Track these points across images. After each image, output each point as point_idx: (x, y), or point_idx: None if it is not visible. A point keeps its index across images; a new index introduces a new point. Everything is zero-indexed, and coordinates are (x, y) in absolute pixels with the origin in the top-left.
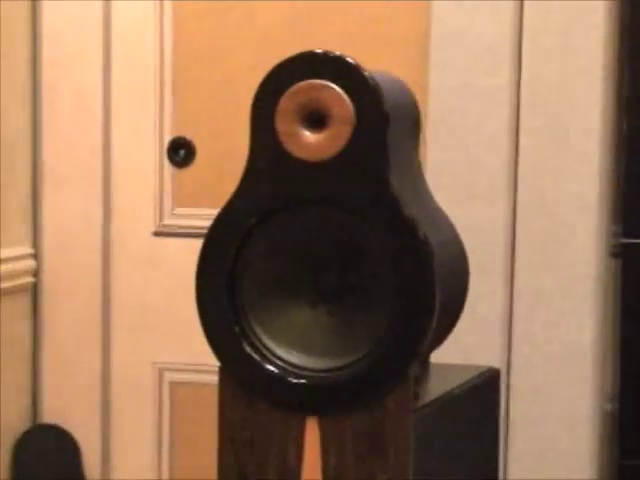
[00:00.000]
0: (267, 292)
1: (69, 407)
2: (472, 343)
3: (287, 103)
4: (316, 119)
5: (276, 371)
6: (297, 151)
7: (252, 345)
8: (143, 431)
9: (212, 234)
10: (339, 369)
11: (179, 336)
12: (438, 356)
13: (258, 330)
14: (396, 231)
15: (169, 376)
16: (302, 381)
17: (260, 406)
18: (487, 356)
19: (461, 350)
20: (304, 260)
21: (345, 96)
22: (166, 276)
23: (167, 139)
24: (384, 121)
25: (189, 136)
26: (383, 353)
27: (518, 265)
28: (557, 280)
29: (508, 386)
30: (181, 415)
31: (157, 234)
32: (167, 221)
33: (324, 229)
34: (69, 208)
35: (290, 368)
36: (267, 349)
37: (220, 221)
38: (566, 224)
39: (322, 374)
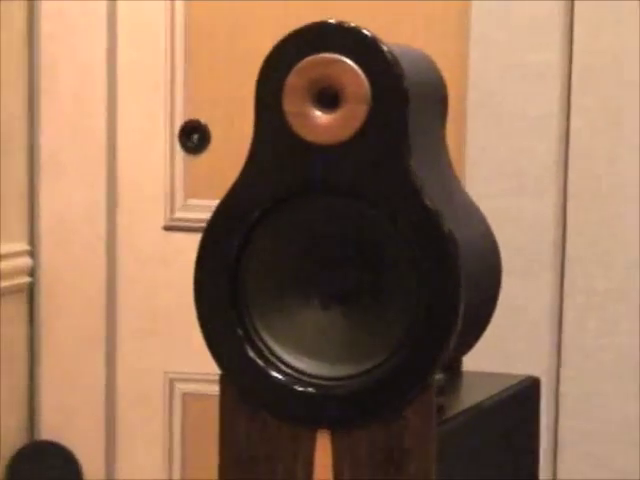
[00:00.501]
0: (273, 291)
1: (70, 422)
2: (517, 350)
3: (295, 80)
4: (328, 98)
5: (283, 379)
6: (307, 133)
7: (256, 350)
8: (152, 449)
9: (212, 227)
10: (353, 377)
11: (192, 343)
12: (477, 365)
13: (263, 333)
14: (417, 224)
15: (181, 387)
16: (312, 390)
17: (265, 418)
18: (533, 365)
19: (504, 358)
20: (315, 256)
21: (360, 72)
22: (178, 275)
23: (179, 123)
24: (404, 100)
25: (203, 119)
26: (402, 359)
27: (568, 264)
28: (612, 280)
29: (557, 398)
30: (194, 430)
31: (168, 228)
32: (179, 214)
33: (337, 221)
34: (69, 200)
35: (299, 376)
36: (273, 354)
37: (221, 213)
38: (623, 217)
39: (334, 382)
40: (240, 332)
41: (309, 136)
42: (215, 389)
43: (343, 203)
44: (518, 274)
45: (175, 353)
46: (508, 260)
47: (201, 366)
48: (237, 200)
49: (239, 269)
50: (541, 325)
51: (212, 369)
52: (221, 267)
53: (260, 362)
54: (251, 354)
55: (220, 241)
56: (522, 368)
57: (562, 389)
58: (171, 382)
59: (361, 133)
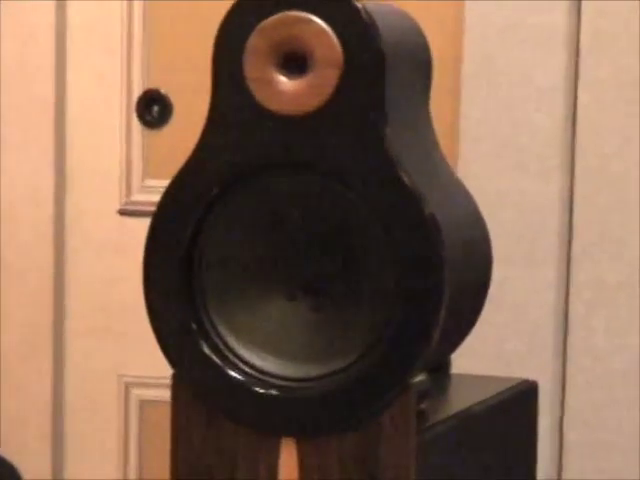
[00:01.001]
0: (233, 281)
1: (11, 432)
2: (516, 352)
3: (257, 42)
4: (294, 62)
5: (242, 379)
6: (271, 102)
7: (212, 346)
8: (104, 463)
9: (163, 208)
10: (322, 378)
11: (151, 342)
12: (471, 368)
13: (221, 327)
14: (394, 205)
15: (138, 393)
16: (275, 392)
17: (222, 424)
18: (534, 368)
19: (502, 361)
20: (280, 241)
21: (331, 32)
22: (134, 266)
23: (136, 93)
24: (380, 64)
25: (164, 89)
26: (378, 357)
27: (576, 253)
28: (623, 273)
29: (562, 406)
30: (152, 442)
31: (123, 213)
32: (136, 197)
33: (304, 202)
34: (11, 179)
35: (260, 375)
36: (231, 351)
37: (172, 193)
38: (636, 201)
39: (301, 384)
40: (194, 326)
41: (273, 105)
42: None
43: (311, 181)
44: (518, 266)
45: (131, 354)
46: (506, 250)
47: (161, 369)
48: (191, 178)
49: (193, 255)
50: (544, 323)
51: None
52: (173, 253)
53: (217, 360)
54: (206, 351)
55: (172, 224)
56: (522, 372)
57: (568, 396)
58: (127, 387)
59: (331, 101)
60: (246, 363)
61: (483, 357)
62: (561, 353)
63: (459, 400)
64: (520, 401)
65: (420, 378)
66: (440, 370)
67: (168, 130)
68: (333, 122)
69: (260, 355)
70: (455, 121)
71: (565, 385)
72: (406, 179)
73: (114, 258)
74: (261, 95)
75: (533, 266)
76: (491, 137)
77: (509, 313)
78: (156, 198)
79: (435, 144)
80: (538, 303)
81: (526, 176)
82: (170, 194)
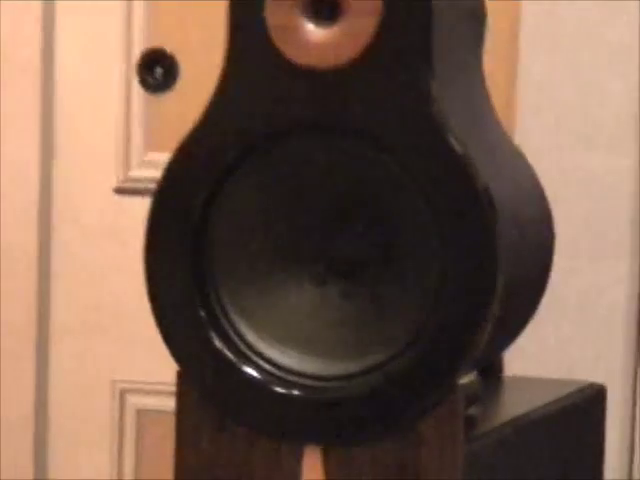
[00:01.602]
0: (250, 263)
1: None
2: (582, 354)
3: None
4: (325, 7)
5: (260, 377)
6: (296, 54)
7: (225, 338)
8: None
9: (168, 181)
10: (354, 377)
11: (151, 342)
12: (529, 371)
13: (235, 317)
14: (441, 175)
15: (135, 401)
16: (298, 393)
17: (235, 430)
18: (603, 371)
19: (566, 363)
20: (305, 216)
21: None
22: (133, 253)
23: (137, 52)
24: (425, 9)
25: (169, 48)
26: (419, 354)
27: None
28: None
29: (634, 415)
30: (150, 456)
31: (120, 191)
32: (135, 172)
33: (334, 170)
34: None
35: (281, 373)
36: (247, 344)
37: (180, 161)
38: None
39: (328, 383)
40: (204, 315)
41: (299, 57)
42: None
43: (343, 146)
44: (584, 256)
45: (127, 356)
46: (572, 238)
47: (162, 373)
48: (201, 143)
49: (203, 234)
50: (613, 322)
51: (174, 378)
52: (180, 232)
53: (230, 355)
54: (218, 344)
55: (178, 198)
56: (587, 375)
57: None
58: (122, 394)
59: (368, 53)
60: (264, 359)
61: (541, 358)
62: (633, 354)
63: (513, 405)
64: (585, 408)
65: (468, 379)
66: (491, 371)
67: (173, 95)
68: (369, 77)
69: (281, 349)
70: (511, 87)
71: (637, 391)
72: (455, 145)
73: (109, 244)
74: (285, 45)
75: (602, 257)
76: (553, 104)
77: (573, 310)
78: (158, 174)
79: (489, 107)
80: (609, 299)
81: (595, 151)
82: (176, 163)
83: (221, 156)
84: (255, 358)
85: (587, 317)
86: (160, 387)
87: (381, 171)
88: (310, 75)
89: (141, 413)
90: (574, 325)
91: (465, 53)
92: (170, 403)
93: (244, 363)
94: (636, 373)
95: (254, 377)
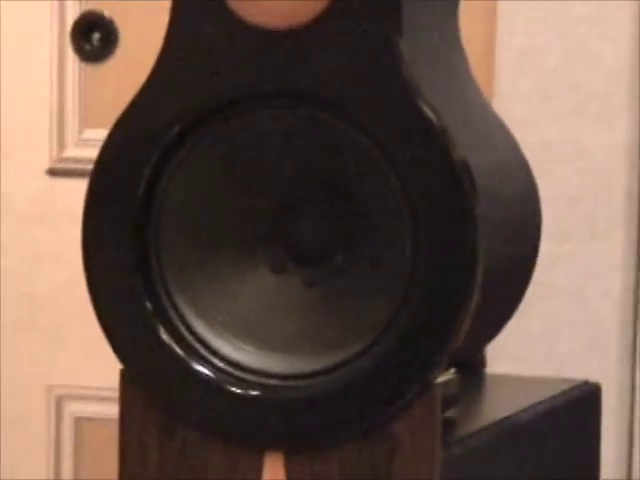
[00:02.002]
0: (201, 248)
1: None
2: (574, 349)
3: None
4: None
5: (213, 376)
6: (250, 13)
7: (174, 332)
8: None
9: (106, 159)
10: (319, 374)
11: (90, 342)
12: (514, 369)
13: (185, 308)
14: (413, 146)
15: (73, 408)
16: (257, 393)
17: (186, 435)
18: (598, 369)
19: (555, 360)
20: (263, 194)
21: None
22: (70, 240)
23: (72, 16)
24: None
25: (107, 11)
26: (391, 349)
27: None
28: None
29: (632, 414)
30: (90, 466)
31: (54, 173)
32: (70, 152)
33: (295, 143)
34: None
35: (237, 372)
36: (198, 339)
37: (119, 137)
38: None
39: (291, 382)
40: (149, 306)
41: (252, 16)
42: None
43: (303, 116)
44: (574, 239)
45: (64, 358)
46: (559, 218)
47: (102, 377)
48: (144, 116)
49: (148, 218)
50: (607, 313)
51: (116, 382)
52: (121, 215)
53: (179, 350)
54: (166, 338)
55: (119, 178)
56: (578, 373)
57: (638, 402)
58: (58, 401)
59: (329, 12)
60: (218, 355)
61: (527, 354)
62: (630, 349)
63: (497, 406)
64: (579, 408)
65: (446, 377)
66: (472, 368)
67: (112, 64)
68: (331, 39)
69: (236, 344)
70: (490, 48)
71: (635, 390)
72: (429, 112)
73: (42, 231)
74: (236, 3)
75: (594, 239)
76: (538, 70)
77: (563, 299)
78: (96, 154)
79: (467, 70)
80: (601, 288)
81: (584, 122)
82: (115, 140)
83: (165, 131)
84: (208, 354)
85: (577, 307)
86: (101, 393)
87: (346, 143)
88: (264, 36)
89: (80, 421)
90: (563, 316)
91: (440, 8)
92: (112, 410)
93: (195, 360)
94: (634, 369)
95: (207, 375)
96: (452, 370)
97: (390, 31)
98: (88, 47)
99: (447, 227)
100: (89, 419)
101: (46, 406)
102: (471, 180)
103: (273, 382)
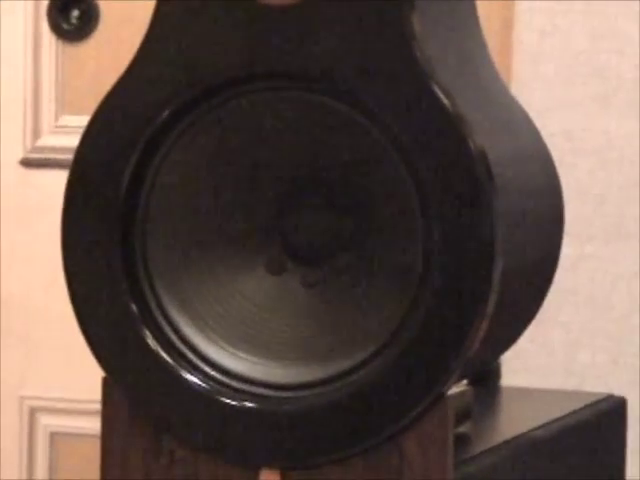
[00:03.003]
0: (191, 247)
1: None
2: (596, 360)
3: None
4: None
5: (205, 385)
6: None
7: (162, 337)
8: None
9: (87, 148)
10: (320, 385)
11: (67, 349)
12: (532, 381)
13: (173, 312)
14: (425, 133)
15: (48, 421)
16: (252, 405)
17: (173, 449)
18: (623, 382)
19: (576, 372)
20: (259, 186)
21: None
22: (45, 236)
23: None
24: None
25: None
26: (399, 358)
27: None
28: None
29: None
30: None
31: (28, 163)
32: (46, 141)
33: (295, 128)
34: None
35: (231, 381)
36: (189, 345)
37: (102, 124)
38: None
39: (289, 393)
40: (135, 310)
41: None
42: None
43: (303, 99)
44: (597, 240)
45: (38, 366)
46: (581, 218)
47: (81, 388)
48: (129, 100)
49: (133, 213)
50: (635, 320)
51: (96, 394)
52: (104, 211)
53: (167, 357)
54: (152, 344)
55: (101, 169)
56: (601, 386)
57: None
58: (32, 413)
59: None
60: (210, 363)
61: (547, 366)
62: None
63: (514, 421)
64: (602, 423)
65: (459, 389)
66: (486, 380)
67: (92, 44)
68: (336, 13)
69: (230, 352)
70: (508, 29)
71: None
72: (443, 97)
73: (14, 228)
74: None
75: (620, 241)
76: (560, 54)
77: (586, 306)
78: (75, 142)
79: (485, 52)
80: (626, 293)
81: (611, 111)
82: (97, 127)
83: (151, 117)
84: (198, 361)
85: (601, 315)
86: (80, 405)
87: (352, 130)
88: (264, 11)
89: (55, 437)
90: (586, 324)
91: None
92: (92, 425)
93: (185, 368)
94: None
95: (197, 385)
96: (465, 381)
97: (400, 6)
98: (66, 25)
99: (461, 223)
100: (65, 434)
101: (18, 419)
102: (488, 171)
103: (270, 393)
